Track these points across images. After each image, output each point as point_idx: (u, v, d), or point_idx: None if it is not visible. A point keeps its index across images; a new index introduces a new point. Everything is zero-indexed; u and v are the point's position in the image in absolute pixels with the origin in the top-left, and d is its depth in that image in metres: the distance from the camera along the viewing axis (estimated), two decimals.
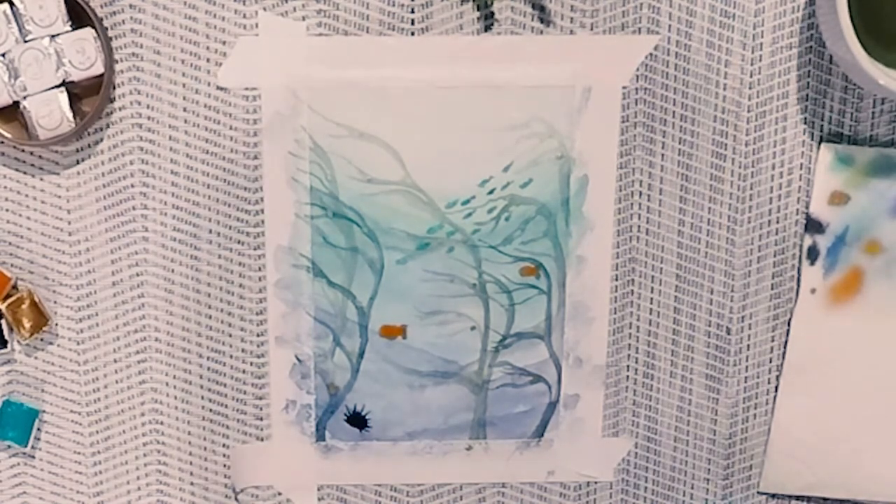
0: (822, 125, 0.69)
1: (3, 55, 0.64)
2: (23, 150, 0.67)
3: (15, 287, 0.68)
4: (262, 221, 0.68)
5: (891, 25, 0.66)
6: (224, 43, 0.66)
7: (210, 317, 0.70)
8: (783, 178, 0.69)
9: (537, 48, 0.67)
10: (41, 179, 0.68)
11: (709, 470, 0.73)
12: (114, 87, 0.66)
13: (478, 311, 0.70)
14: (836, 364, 0.71)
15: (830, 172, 0.69)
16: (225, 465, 0.72)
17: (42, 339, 0.69)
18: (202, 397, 0.71)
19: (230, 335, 0.70)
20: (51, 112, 0.65)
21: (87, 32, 0.64)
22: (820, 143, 0.69)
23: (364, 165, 0.68)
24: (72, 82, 0.65)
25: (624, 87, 0.68)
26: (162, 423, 0.71)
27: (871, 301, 0.70)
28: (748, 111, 0.68)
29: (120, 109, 0.67)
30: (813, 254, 0.70)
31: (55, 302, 0.69)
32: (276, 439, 0.71)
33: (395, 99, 0.67)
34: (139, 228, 0.68)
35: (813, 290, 0.70)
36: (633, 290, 0.70)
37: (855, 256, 0.70)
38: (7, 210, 0.68)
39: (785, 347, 0.71)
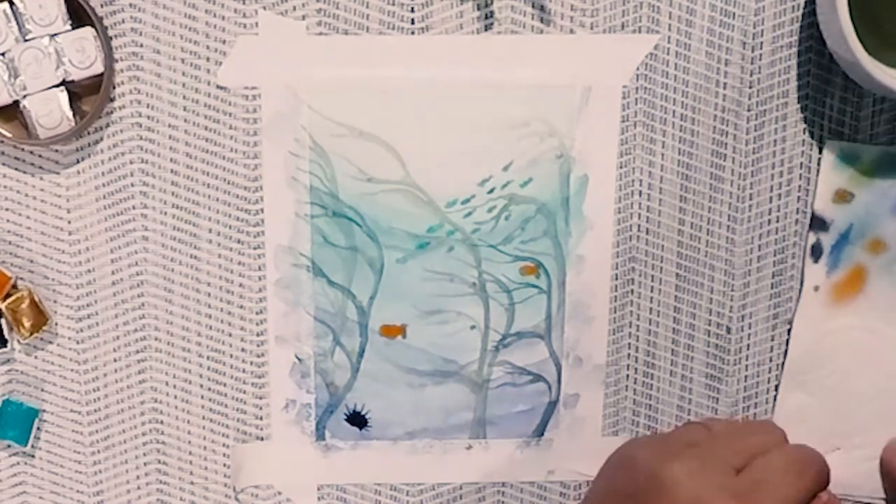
0: (822, 124, 0.69)
1: (3, 54, 0.64)
2: (22, 150, 0.67)
3: (15, 286, 0.68)
4: (262, 221, 0.68)
5: (891, 25, 0.66)
6: (224, 42, 0.66)
7: (210, 316, 0.70)
8: (783, 178, 0.69)
9: (537, 48, 0.67)
10: (41, 179, 0.68)
11: None
12: (114, 87, 0.66)
13: (478, 310, 0.70)
14: (837, 362, 0.71)
15: (835, 170, 0.69)
16: (225, 465, 0.72)
17: (42, 339, 0.69)
18: (202, 397, 0.71)
19: (230, 335, 0.70)
20: (50, 111, 0.65)
21: (87, 32, 0.64)
22: (820, 143, 0.69)
23: (364, 165, 0.68)
24: (71, 81, 0.65)
25: (624, 87, 0.68)
26: (162, 422, 0.71)
27: (873, 299, 0.70)
28: (748, 111, 0.68)
29: (120, 109, 0.67)
30: (816, 251, 0.70)
31: (55, 301, 0.69)
32: (276, 439, 0.71)
33: (395, 98, 0.67)
34: (139, 228, 0.68)
35: (816, 288, 0.70)
36: (632, 290, 0.70)
37: (858, 255, 0.70)
38: (7, 209, 0.68)
39: (786, 346, 0.71)
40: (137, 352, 0.70)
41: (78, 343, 0.70)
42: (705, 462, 0.52)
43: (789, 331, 0.71)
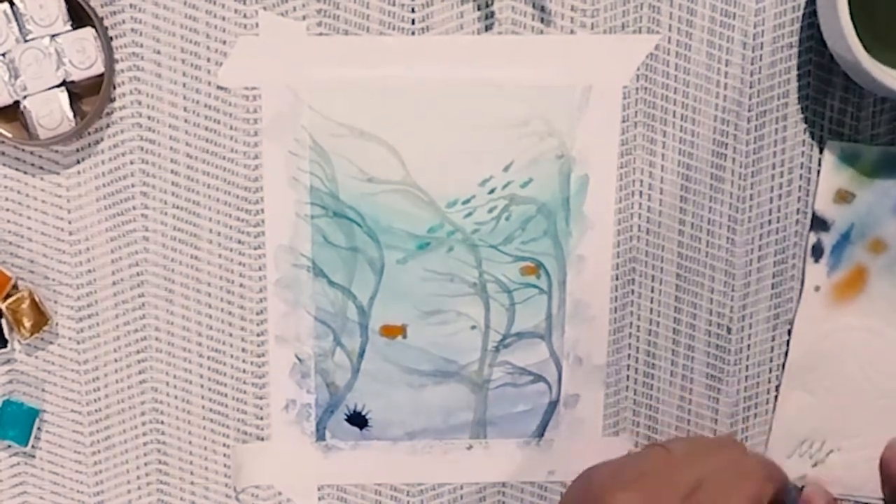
0: (822, 124, 0.69)
1: (4, 55, 0.64)
2: (23, 150, 0.67)
3: (15, 286, 0.68)
4: (263, 221, 0.68)
5: (891, 25, 0.66)
6: (224, 42, 0.66)
7: (210, 316, 0.70)
8: (784, 178, 0.69)
9: (537, 48, 0.67)
10: (41, 179, 0.68)
11: None
12: (114, 87, 0.66)
13: (478, 310, 0.70)
14: (838, 362, 0.71)
15: (836, 170, 0.69)
16: (225, 465, 0.72)
17: (42, 339, 0.69)
18: (202, 397, 0.71)
19: (230, 335, 0.70)
20: (51, 112, 0.65)
21: (88, 32, 0.64)
22: (821, 143, 0.69)
23: (364, 165, 0.68)
24: (72, 82, 0.65)
25: (624, 87, 0.68)
26: (162, 422, 0.71)
27: (874, 299, 0.70)
28: (748, 111, 0.68)
29: (120, 109, 0.67)
30: (817, 251, 0.70)
31: (55, 301, 0.69)
32: (277, 439, 0.71)
33: (396, 98, 0.67)
34: (139, 228, 0.68)
35: (817, 288, 0.70)
36: (633, 290, 0.70)
37: (859, 255, 0.70)
38: (7, 210, 0.68)
39: (787, 346, 0.71)
40: (138, 352, 0.70)
41: (78, 343, 0.70)
42: (654, 493, 0.55)
43: (790, 331, 0.71)
